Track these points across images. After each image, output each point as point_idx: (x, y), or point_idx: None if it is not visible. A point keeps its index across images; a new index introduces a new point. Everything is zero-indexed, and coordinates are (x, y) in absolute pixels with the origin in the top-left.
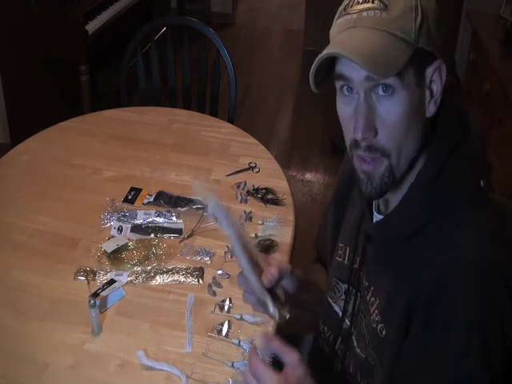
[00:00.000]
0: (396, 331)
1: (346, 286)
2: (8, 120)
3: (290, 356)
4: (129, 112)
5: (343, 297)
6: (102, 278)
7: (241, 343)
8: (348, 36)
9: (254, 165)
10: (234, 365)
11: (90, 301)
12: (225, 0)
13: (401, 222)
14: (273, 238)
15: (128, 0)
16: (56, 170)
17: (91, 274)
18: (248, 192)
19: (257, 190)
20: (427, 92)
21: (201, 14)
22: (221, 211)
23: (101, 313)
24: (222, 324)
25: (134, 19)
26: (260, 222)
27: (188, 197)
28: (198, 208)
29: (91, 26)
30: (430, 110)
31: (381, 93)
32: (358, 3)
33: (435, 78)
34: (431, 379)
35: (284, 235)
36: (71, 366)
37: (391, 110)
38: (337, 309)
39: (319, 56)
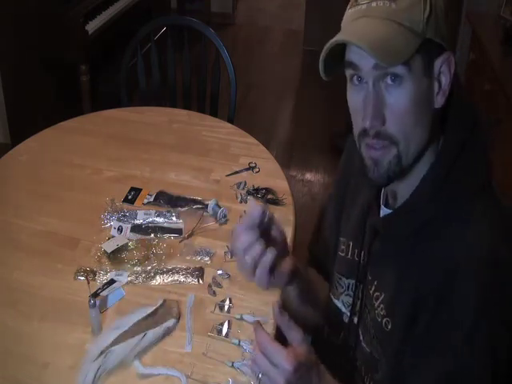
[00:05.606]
0: (402, 323)
1: (349, 281)
2: (8, 120)
3: (296, 332)
4: (129, 112)
5: (346, 292)
6: (102, 278)
7: (241, 343)
8: (357, 25)
9: (254, 165)
10: (234, 365)
11: (89, 301)
12: (225, 0)
13: (410, 216)
14: None
15: (128, 0)
16: (56, 170)
17: (91, 273)
18: (248, 192)
19: (257, 190)
20: (435, 83)
21: (201, 14)
22: None
23: (101, 313)
24: (222, 324)
25: (133, 19)
26: None
27: (188, 197)
28: (197, 208)
29: (91, 26)
30: (439, 101)
31: (389, 82)
32: None
33: (444, 69)
34: (437, 364)
35: None
36: (71, 366)
37: (399, 99)
38: (339, 304)
39: (329, 43)
